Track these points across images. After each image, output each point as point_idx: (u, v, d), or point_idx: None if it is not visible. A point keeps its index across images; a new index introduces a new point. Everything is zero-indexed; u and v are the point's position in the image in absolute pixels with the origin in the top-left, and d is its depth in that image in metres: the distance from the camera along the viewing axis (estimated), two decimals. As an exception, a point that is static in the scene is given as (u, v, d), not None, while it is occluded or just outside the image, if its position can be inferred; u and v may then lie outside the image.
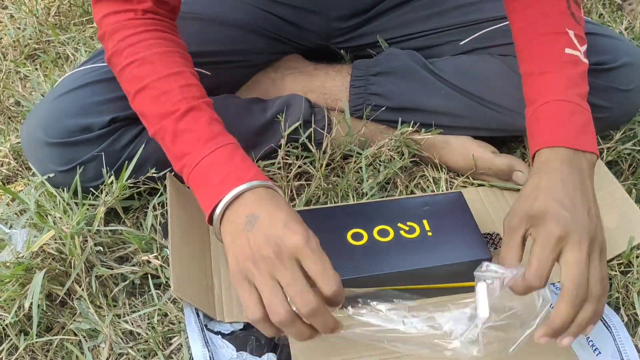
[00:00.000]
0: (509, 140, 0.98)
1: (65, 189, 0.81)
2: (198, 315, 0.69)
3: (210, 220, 0.64)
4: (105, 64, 0.84)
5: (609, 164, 0.93)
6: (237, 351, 0.68)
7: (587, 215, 0.62)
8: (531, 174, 0.67)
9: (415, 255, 0.72)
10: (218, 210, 0.62)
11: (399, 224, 0.75)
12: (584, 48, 0.74)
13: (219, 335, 0.69)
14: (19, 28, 1.27)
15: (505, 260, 0.62)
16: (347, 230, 0.75)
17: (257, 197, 0.61)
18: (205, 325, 0.70)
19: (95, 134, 0.80)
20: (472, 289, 0.67)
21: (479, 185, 0.91)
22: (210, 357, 0.65)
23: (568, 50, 0.72)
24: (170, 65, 0.69)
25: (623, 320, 0.72)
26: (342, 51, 1.04)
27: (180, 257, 0.70)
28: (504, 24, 0.92)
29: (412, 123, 0.92)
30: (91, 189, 0.82)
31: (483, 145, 0.91)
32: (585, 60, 0.73)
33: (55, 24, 1.28)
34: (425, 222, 0.76)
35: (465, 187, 0.91)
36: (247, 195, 0.61)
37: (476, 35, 0.94)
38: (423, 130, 0.92)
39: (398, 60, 0.94)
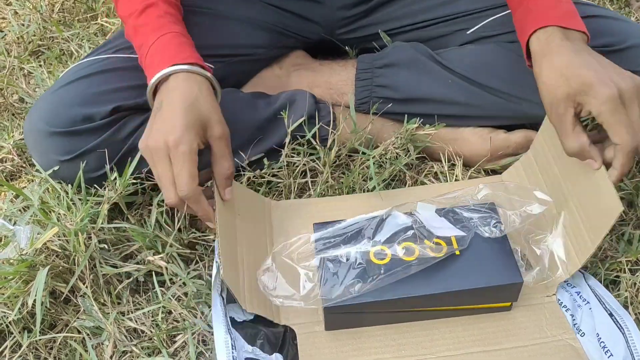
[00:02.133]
0: (516, 129, 0.97)
1: (68, 183, 0.81)
2: (223, 300, 0.68)
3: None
4: (109, 56, 0.84)
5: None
6: (250, 345, 0.68)
7: (616, 69, 0.67)
8: (536, 60, 0.70)
9: (442, 277, 0.69)
10: (148, 89, 0.73)
11: (425, 241, 0.71)
12: None
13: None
14: (22, 24, 1.26)
15: (574, 147, 0.68)
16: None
17: (172, 83, 0.71)
18: (226, 313, 0.69)
19: (98, 123, 0.80)
20: (502, 309, 0.71)
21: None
22: (232, 344, 0.64)
23: None
24: None
25: (631, 319, 0.71)
26: (347, 47, 1.04)
27: (226, 244, 0.70)
28: (509, 11, 0.91)
29: (418, 119, 0.91)
30: (94, 181, 0.82)
31: (494, 129, 0.91)
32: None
33: (59, 21, 1.27)
34: (453, 237, 0.72)
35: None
36: (170, 80, 0.71)
37: (482, 23, 0.93)
38: (427, 126, 0.91)
39: (404, 52, 0.93)
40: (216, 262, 0.70)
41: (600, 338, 0.68)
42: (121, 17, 0.80)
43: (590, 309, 0.71)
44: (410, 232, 0.72)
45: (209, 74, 0.74)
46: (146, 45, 0.75)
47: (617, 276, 0.77)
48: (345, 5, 0.97)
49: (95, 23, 1.26)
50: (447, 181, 0.90)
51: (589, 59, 0.67)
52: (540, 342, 0.69)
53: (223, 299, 0.68)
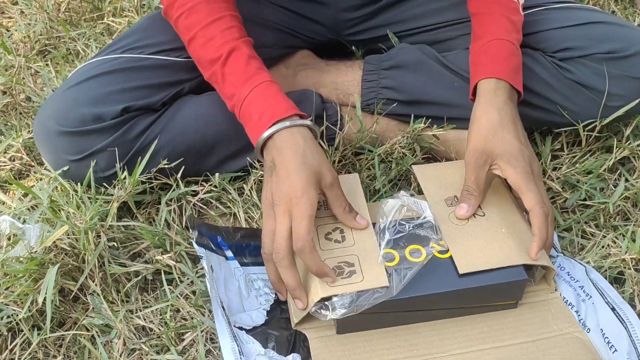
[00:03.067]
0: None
1: (78, 182, 0.82)
2: (224, 309, 0.69)
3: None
4: (118, 56, 0.85)
5: (621, 161, 0.93)
6: (264, 348, 0.68)
7: (529, 148, 0.77)
8: (480, 103, 0.78)
9: (449, 276, 0.70)
10: (258, 146, 0.74)
11: (432, 244, 0.73)
12: (522, 1, 0.85)
13: (243, 331, 0.70)
14: (29, 24, 1.27)
15: (474, 192, 0.76)
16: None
17: (280, 141, 0.72)
18: (229, 321, 0.70)
19: (107, 123, 0.80)
20: (507, 307, 0.72)
21: None
22: (239, 351, 0.65)
23: None
24: (212, 12, 0.78)
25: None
26: (353, 47, 1.04)
27: None
28: None
29: (424, 119, 0.91)
30: (103, 180, 0.82)
31: None
32: (522, 13, 0.85)
33: (66, 20, 1.28)
34: None
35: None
36: (275, 137, 0.72)
37: None
38: (435, 126, 0.91)
39: (410, 53, 0.93)
40: (209, 268, 0.72)
41: (604, 333, 0.69)
42: (197, 59, 0.80)
43: (593, 303, 0.72)
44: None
45: (308, 122, 0.74)
46: (239, 98, 0.75)
47: (621, 272, 0.78)
48: (349, 7, 0.98)
49: (102, 22, 1.27)
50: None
51: (518, 130, 0.76)
52: (548, 337, 0.70)
53: (224, 309, 0.69)
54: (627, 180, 0.89)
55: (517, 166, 0.73)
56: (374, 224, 0.74)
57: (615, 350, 0.67)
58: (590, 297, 0.72)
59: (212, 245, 0.77)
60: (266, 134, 0.72)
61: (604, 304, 0.71)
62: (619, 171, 0.91)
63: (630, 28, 0.89)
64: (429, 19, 0.97)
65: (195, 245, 0.75)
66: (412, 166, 0.85)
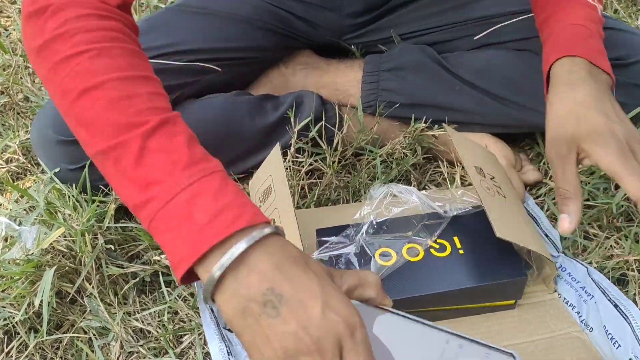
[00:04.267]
0: (522, 137, 0.97)
1: (74, 185, 0.81)
2: (212, 312, 0.68)
3: (189, 276, 0.46)
4: None
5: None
6: None
7: (629, 120, 0.62)
8: (554, 86, 0.65)
9: (448, 275, 0.69)
10: (215, 271, 0.43)
11: (430, 242, 0.72)
12: (600, 6, 0.74)
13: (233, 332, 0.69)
14: (27, 23, 1.26)
15: (567, 193, 0.61)
16: (375, 249, 0.72)
17: (270, 255, 0.44)
18: (217, 323, 0.69)
19: None
20: (506, 308, 0.71)
21: None
22: (227, 351, 0.64)
23: None
24: (136, 66, 0.53)
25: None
26: (352, 47, 1.03)
27: None
28: (519, 19, 0.90)
29: (424, 119, 0.90)
30: (102, 187, 0.81)
31: (500, 143, 0.90)
32: (601, 14, 0.73)
33: (64, 19, 1.27)
34: (456, 238, 0.73)
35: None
36: (256, 252, 0.44)
37: (490, 30, 0.93)
38: (436, 126, 0.90)
39: (410, 55, 0.93)
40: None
41: (607, 330, 0.68)
42: (90, 117, 0.51)
43: (595, 302, 0.71)
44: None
45: (280, 227, 0.48)
46: (168, 188, 0.47)
47: (624, 274, 0.77)
48: (354, 13, 0.97)
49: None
50: (450, 184, 0.89)
51: (606, 106, 0.62)
52: (547, 337, 0.69)
53: (213, 311, 0.69)
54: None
55: (607, 146, 0.59)
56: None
57: (619, 346, 0.66)
58: (592, 296, 0.72)
59: None
60: (240, 245, 0.44)
61: (606, 301, 0.71)
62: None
63: (634, 34, 0.88)
64: (431, 22, 0.96)
65: None
66: (446, 126, 0.81)
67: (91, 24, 0.52)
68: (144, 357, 0.69)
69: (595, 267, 0.77)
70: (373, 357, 0.43)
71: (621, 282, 0.77)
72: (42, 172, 0.83)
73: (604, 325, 0.69)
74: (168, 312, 0.72)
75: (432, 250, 0.71)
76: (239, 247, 0.43)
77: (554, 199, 0.86)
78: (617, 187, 0.88)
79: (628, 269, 0.77)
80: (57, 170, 0.81)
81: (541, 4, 0.78)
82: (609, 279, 0.75)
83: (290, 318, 0.42)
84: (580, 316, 0.71)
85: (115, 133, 0.49)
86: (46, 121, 0.81)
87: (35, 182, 0.89)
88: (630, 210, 0.85)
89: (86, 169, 0.79)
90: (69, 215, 0.77)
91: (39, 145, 0.82)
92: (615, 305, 0.70)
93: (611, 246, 0.80)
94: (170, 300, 0.73)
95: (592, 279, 0.73)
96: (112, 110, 0.50)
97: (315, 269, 0.45)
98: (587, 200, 0.86)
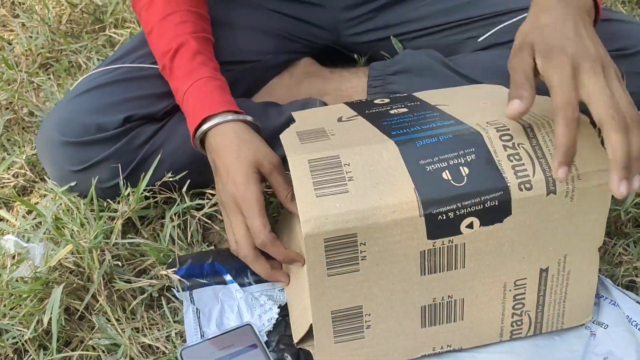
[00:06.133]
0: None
1: (81, 195, 0.81)
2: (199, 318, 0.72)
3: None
4: (120, 66, 0.85)
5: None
6: None
7: (593, 44, 0.60)
8: (527, 15, 0.65)
9: None
10: (196, 143, 0.77)
11: None
12: None
13: None
14: (30, 36, 1.26)
15: (523, 84, 0.58)
16: None
17: (215, 141, 0.74)
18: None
19: (110, 133, 0.80)
20: None
21: None
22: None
23: None
24: (169, 5, 0.81)
25: None
26: (355, 55, 1.03)
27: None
28: (522, 16, 0.90)
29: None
30: (107, 191, 0.82)
31: None
32: None
33: (67, 32, 1.28)
34: None
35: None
36: (209, 137, 0.74)
37: (493, 30, 0.92)
38: None
39: (416, 58, 0.92)
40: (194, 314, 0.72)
41: (630, 319, 0.68)
42: (154, 52, 0.83)
43: (611, 302, 0.71)
44: None
45: (241, 117, 0.75)
46: (181, 91, 0.78)
47: (632, 281, 0.76)
48: (347, 5, 0.97)
49: (104, 34, 1.26)
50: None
51: (569, 25, 0.61)
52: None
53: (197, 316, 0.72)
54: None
55: (552, 59, 0.58)
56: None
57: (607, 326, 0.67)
58: (605, 298, 0.72)
59: (203, 278, 0.76)
60: (199, 132, 0.74)
61: (628, 299, 0.71)
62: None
63: (635, 24, 0.87)
64: (433, 20, 0.95)
65: (178, 295, 0.74)
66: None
67: None
68: (154, 374, 0.69)
69: (604, 274, 0.76)
70: (258, 217, 0.70)
71: (630, 288, 0.77)
72: (51, 188, 0.83)
73: (627, 315, 0.69)
74: (175, 329, 0.72)
75: None
76: (200, 131, 0.75)
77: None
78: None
79: (636, 275, 0.76)
80: (72, 184, 0.82)
81: None
82: (618, 285, 0.75)
83: (217, 180, 0.75)
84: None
85: (161, 59, 0.81)
86: (52, 123, 0.82)
87: (43, 197, 0.89)
88: (638, 216, 0.84)
89: (93, 183, 0.79)
90: (77, 231, 0.77)
91: (44, 148, 0.83)
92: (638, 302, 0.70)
93: (619, 253, 0.80)
94: (178, 316, 0.73)
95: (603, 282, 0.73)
96: (157, 44, 0.81)
97: (241, 154, 0.72)
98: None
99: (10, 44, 1.28)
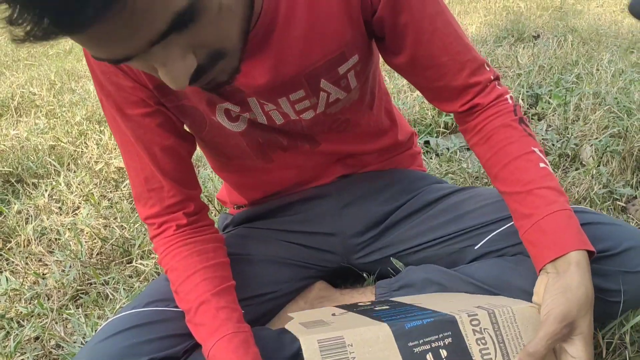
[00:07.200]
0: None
1: None
2: None
3: None
4: (144, 309, 0.91)
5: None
6: None
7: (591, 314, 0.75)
8: (573, 270, 0.75)
9: None
10: None
11: None
12: (547, 159, 0.85)
13: None
14: (63, 270, 1.36)
15: (536, 355, 0.70)
16: None
17: None
18: None
19: None
20: None
21: None
22: None
23: (542, 165, 0.83)
24: (188, 267, 0.88)
25: None
26: (364, 273, 1.10)
27: None
28: (508, 225, 0.96)
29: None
30: None
31: None
32: (551, 169, 0.84)
33: (97, 264, 1.37)
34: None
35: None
36: None
37: (487, 238, 0.98)
38: None
39: (417, 273, 0.99)
40: None
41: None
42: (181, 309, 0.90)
43: None
44: None
45: None
46: (206, 348, 0.83)
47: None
48: (356, 233, 1.06)
49: (131, 266, 1.35)
50: None
51: (582, 297, 0.74)
52: None
53: None
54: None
55: (590, 352, 0.73)
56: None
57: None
58: None
59: None
60: None
61: None
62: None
63: (615, 225, 0.91)
64: (430, 235, 1.03)
65: None
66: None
67: (166, 252, 0.92)
68: None
69: None
70: None
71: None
72: None
73: None
74: None
75: None
76: None
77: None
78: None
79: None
80: None
81: (506, 179, 0.85)
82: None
83: None
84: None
85: (185, 315, 0.88)
86: None
87: None
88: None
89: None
90: None
91: None
92: None
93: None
94: None
95: None
96: (181, 303, 0.88)
97: None
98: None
99: (44, 278, 1.37)
